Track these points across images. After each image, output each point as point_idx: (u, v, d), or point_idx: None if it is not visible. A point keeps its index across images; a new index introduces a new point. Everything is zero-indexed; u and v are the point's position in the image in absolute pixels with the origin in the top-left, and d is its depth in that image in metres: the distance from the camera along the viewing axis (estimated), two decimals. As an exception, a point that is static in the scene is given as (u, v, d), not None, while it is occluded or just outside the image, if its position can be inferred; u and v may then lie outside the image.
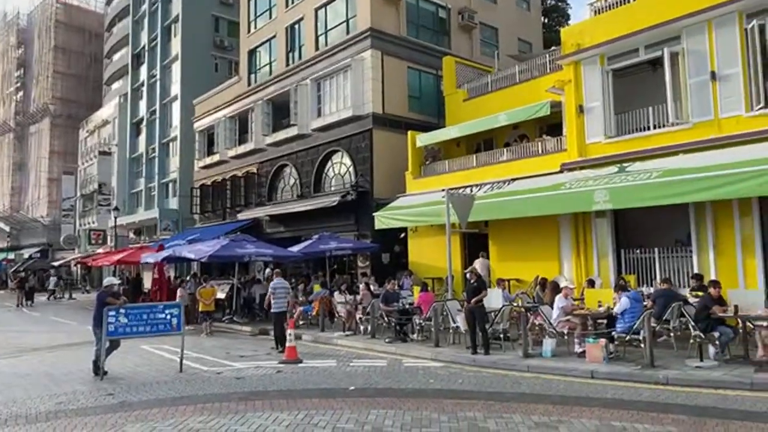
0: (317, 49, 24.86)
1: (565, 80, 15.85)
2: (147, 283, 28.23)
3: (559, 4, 40.63)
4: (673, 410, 6.92)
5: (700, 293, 10.59)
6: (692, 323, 9.58)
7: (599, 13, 15.89)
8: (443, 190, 15.22)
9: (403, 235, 20.49)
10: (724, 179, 11.23)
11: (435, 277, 18.15)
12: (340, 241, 19.83)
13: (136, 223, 42.90)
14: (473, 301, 10.93)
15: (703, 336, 9.33)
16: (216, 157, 31.20)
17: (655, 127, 13.95)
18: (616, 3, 15.42)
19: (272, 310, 13.12)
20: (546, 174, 15.77)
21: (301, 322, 16.26)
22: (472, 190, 16.91)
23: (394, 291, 14.25)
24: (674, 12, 13.41)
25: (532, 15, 30.10)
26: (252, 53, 29.74)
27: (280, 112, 26.74)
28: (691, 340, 9.65)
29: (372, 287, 16.25)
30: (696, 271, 12.63)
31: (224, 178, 30.90)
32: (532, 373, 9.60)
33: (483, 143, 20.45)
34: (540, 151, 16.92)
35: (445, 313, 12.69)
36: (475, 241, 18.17)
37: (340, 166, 23.56)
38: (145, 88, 44.22)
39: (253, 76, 29.61)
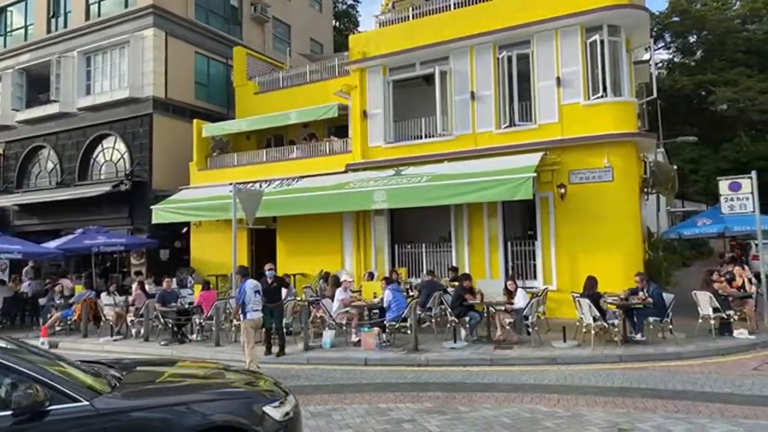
0: (88, 18, 21.97)
1: (352, 85, 16.70)
2: None
3: (350, 10, 42.57)
4: (430, 388, 7.86)
5: (456, 283, 12.18)
6: (449, 310, 10.97)
7: (384, 26, 17.11)
8: (231, 183, 14.81)
9: (185, 230, 19.35)
10: (477, 185, 13.07)
11: (220, 274, 17.53)
12: (110, 236, 17.87)
13: None
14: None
15: (457, 321, 10.76)
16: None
17: (426, 137, 15.55)
18: (399, 19, 16.79)
19: None
20: (332, 173, 16.42)
21: (58, 328, 14.24)
22: (260, 186, 16.75)
23: (172, 290, 13.38)
24: (444, 35, 15.14)
25: (324, 17, 30.96)
26: (0, 11, 24.96)
27: (37, 85, 22.92)
28: (448, 325, 11.06)
29: (148, 287, 15.00)
30: (454, 264, 14.48)
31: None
32: (311, 364, 9.94)
33: (273, 139, 20.39)
34: (327, 151, 17.55)
35: (228, 311, 12.36)
36: (262, 237, 18.06)
37: (113, 152, 21.20)
38: None
39: (1, 39, 24.86)
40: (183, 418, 3.66)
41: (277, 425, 4.03)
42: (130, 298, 14.01)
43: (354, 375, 9.01)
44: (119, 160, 20.90)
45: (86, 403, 3.46)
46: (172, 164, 20.07)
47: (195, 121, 19.66)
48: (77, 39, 21.84)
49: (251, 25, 24.67)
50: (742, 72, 36.96)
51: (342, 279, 12.26)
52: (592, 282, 10.54)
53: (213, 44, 22.47)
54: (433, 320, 11.75)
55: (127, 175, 19.92)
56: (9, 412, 3.26)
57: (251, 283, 9.55)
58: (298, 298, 13.00)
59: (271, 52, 24.72)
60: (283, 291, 11.55)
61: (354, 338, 11.06)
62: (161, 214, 17.69)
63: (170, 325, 12.57)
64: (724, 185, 12.81)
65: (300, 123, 18.61)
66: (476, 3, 15.20)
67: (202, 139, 19.51)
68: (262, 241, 18.00)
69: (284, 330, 10.92)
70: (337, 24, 39.25)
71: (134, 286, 14.74)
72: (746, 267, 12.71)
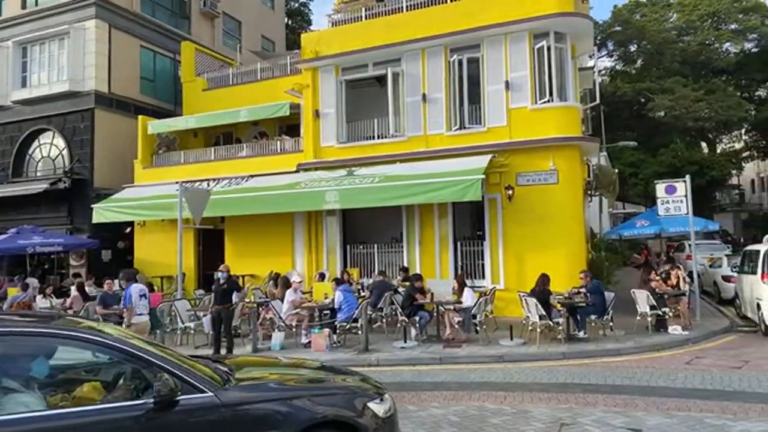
0: (24, 6, 20.88)
1: (304, 84, 16.55)
2: None
3: (302, 8, 42.17)
4: (380, 388, 7.87)
5: (407, 283, 12.26)
6: (400, 310, 11.04)
7: (336, 26, 17.05)
8: (177, 182, 14.37)
9: (128, 230, 18.66)
10: (429, 187, 13.22)
11: (165, 275, 17.00)
12: (47, 236, 17.01)
13: None
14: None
15: (407, 320, 10.84)
16: None
17: (379, 137, 15.60)
18: (351, 19, 16.77)
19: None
20: (283, 173, 16.21)
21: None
22: (209, 185, 16.36)
23: (114, 292, 12.85)
24: (397, 36, 15.23)
25: (276, 14, 30.54)
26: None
27: (-34, 75, 21.56)
28: (399, 324, 11.12)
29: (88, 289, 14.37)
30: (405, 264, 14.58)
31: None
32: (260, 367, 9.76)
33: (222, 136, 19.96)
34: (279, 150, 17.34)
35: (173, 313, 11.99)
36: (210, 238, 17.63)
37: (51, 148, 20.21)
38: None
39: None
40: (298, 412, 3.75)
41: (380, 421, 4.09)
42: (68, 301, 13.39)
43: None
44: (57, 156, 19.94)
45: (211, 394, 3.53)
46: (115, 162, 19.31)
47: (140, 117, 19.01)
48: (12, 28, 20.72)
49: (200, 19, 24.06)
50: (677, 81, 38.91)
51: (292, 280, 12.12)
52: (544, 279, 10.85)
53: (160, 38, 21.77)
54: (384, 320, 11.79)
55: (66, 173, 19.02)
56: (146, 401, 3.31)
57: (136, 288, 9.34)
58: (247, 300, 12.76)
59: (220, 48, 24.17)
60: (235, 294, 11.33)
61: (304, 340, 10.96)
62: (103, 213, 16.99)
63: (111, 329, 12.04)
64: (660, 188, 13.43)
65: (250, 121, 18.30)
66: (428, 6, 15.37)
67: (147, 136, 18.88)
68: (210, 242, 17.58)
69: (233, 332, 10.69)
70: (290, 22, 38.80)
71: (72, 288, 14.10)
72: (680, 266, 13.37)
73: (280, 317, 11.27)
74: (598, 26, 39.35)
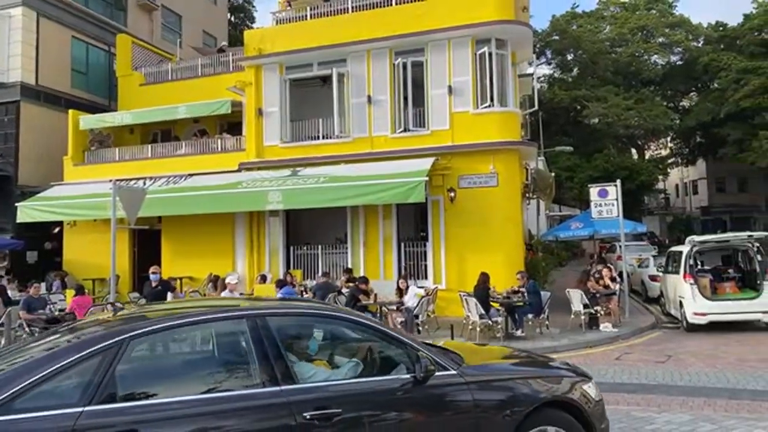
0: (-61, -11, 19.39)
1: (247, 82, 16.23)
2: None
3: (246, 5, 41.38)
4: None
5: (351, 284, 12.26)
6: (343, 311, 11.01)
7: (281, 24, 16.83)
8: (111, 180, 13.72)
9: (57, 230, 17.68)
10: (373, 188, 13.27)
11: (97, 277, 16.22)
12: (-35, 235, 15.87)
13: None
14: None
15: (351, 322, 10.81)
16: None
17: (323, 138, 15.51)
18: (296, 18, 16.60)
19: None
20: (224, 172, 15.83)
21: None
22: (145, 183, 15.74)
23: (40, 296, 12.16)
24: (342, 37, 15.20)
25: (218, 9, 29.80)
26: None
27: None
28: (342, 327, 11.07)
29: (11, 292, 13.51)
30: (349, 265, 14.56)
31: None
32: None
33: (160, 133, 19.27)
34: (219, 149, 16.93)
35: (105, 317, 11.44)
36: (146, 238, 16.97)
37: (-29, 143, 18.87)
38: None
39: None
40: (531, 391, 3.98)
41: (596, 404, 4.25)
42: (-12, 306, 12.52)
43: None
44: (-23, 151, 18.63)
45: (455, 372, 3.82)
46: (43, 158, 18.28)
47: (71, 111, 18.08)
48: (-74, 12, 19.18)
49: (137, 12, 23.14)
50: (610, 90, 40.86)
51: (227, 281, 11.79)
52: (484, 278, 11.15)
53: (93, 29, 20.78)
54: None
55: (-13, 169, 17.83)
56: (410, 376, 3.64)
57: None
58: (186, 303, 12.35)
59: (159, 42, 23.34)
60: (169, 295, 10.94)
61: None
62: (29, 212, 16.03)
63: (37, 335, 11.39)
64: (593, 192, 14.06)
65: (190, 118, 17.77)
66: (374, 8, 15.43)
67: (79, 131, 17.97)
68: (146, 243, 16.93)
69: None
70: (233, 18, 37.98)
71: (-7, 292, 13.19)
72: (611, 266, 14.04)
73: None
74: (538, 35, 40.77)
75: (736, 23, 44.84)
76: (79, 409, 2.88)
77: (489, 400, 3.84)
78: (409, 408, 3.65)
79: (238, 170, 15.82)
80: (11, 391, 2.84)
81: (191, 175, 16.24)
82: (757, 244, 11.94)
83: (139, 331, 3.28)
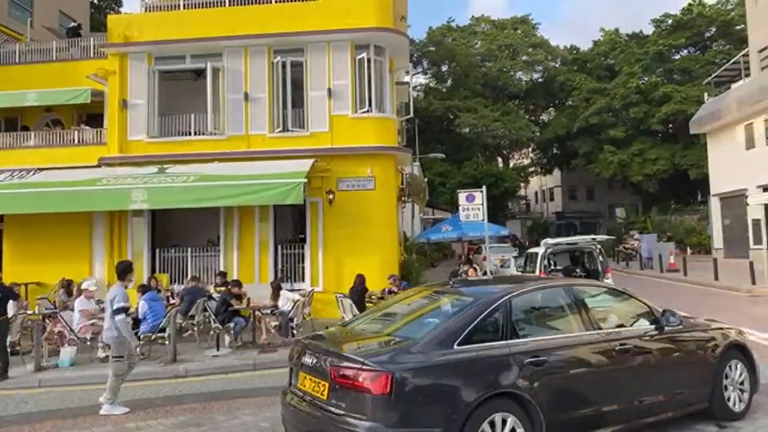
0: None
1: (110, 70, 14.97)
2: None
3: (113, -13, 38.16)
4: (187, 400, 7.42)
5: (223, 288, 11.79)
6: (213, 317, 10.55)
7: (150, 11, 15.76)
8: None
9: None
10: (249, 188, 12.86)
11: None
12: None
13: None
14: None
15: (221, 327, 10.41)
16: None
17: (195, 134, 14.77)
18: (168, 6, 15.64)
19: None
20: (82, 167, 14.47)
21: None
22: (-18, 177, 13.87)
23: None
24: (217, 31, 14.59)
25: (79, -11, 27.11)
26: None
27: None
28: (212, 332, 10.63)
29: None
30: (222, 269, 14.00)
31: None
32: (44, 387, 8.55)
33: (4, 122, 17.11)
34: (76, 141, 15.48)
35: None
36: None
37: None
38: None
39: None
40: (714, 341, 5.77)
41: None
42: None
43: (97, 395, 7.98)
44: None
45: (678, 322, 5.54)
46: None
47: None
48: None
49: (-23, -18, 20.32)
50: (480, 102, 43.68)
51: (83, 287, 10.80)
52: (361, 279, 11.33)
53: None
54: (195, 328, 11.14)
55: None
56: (653, 326, 5.46)
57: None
58: (30, 312, 11.07)
59: (5, 19, 20.68)
60: (11, 304, 9.74)
61: (101, 354, 9.84)
62: None
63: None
64: (462, 197, 14.85)
65: (41, 106, 16.00)
66: (252, 4, 15.02)
67: None
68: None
69: (8, 349, 9.20)
70: (97, 1, 34.86)
71: None
72: (476, 267, 15.00)
73: (72, 330, 9.99)
74: (415, 44, 42.38)
75: (587, 48, 50.25)
76: (506, 342, 4.54)
77: (701, 339, 5.70)
78: (658, 345, 5.37)
79: (98, 166, 14.54)
80: (467, 330, 4.42)
81: (41, 169, 14.63)
82: (599, 246, 13.42)
83: (516, 292, 4.99)
